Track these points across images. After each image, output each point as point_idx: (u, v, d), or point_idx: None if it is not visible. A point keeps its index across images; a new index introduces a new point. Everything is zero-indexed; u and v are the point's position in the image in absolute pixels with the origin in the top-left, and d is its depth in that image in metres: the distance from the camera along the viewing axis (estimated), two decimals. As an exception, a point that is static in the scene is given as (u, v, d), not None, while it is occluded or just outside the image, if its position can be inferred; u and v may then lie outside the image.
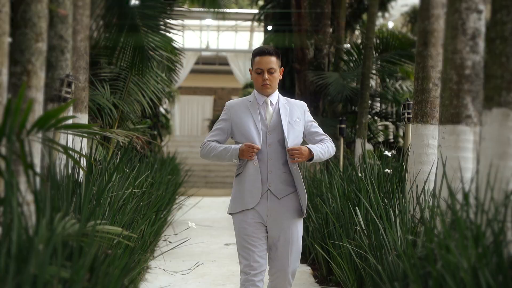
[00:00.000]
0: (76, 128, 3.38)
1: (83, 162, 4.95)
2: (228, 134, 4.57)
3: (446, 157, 4.33)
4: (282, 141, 4.44)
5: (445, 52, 4.41)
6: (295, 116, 4.52)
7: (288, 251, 4.44)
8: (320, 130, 4.61)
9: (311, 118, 4.64)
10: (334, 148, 4.59)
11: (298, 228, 4.49)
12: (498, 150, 3.42)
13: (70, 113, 5.71)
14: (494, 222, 2.97)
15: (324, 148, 4.49)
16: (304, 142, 4.58)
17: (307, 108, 4.65)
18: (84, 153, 5.14)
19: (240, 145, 4.41)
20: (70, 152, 3.36)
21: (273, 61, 4.47)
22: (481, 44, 4.32)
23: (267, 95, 4.53)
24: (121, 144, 5.28)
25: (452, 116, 4.35)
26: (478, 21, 4.31)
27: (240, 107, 4.56)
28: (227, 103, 4.65)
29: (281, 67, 4.58)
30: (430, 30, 5.46)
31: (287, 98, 4.65)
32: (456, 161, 4.32)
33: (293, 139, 4.45)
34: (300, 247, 4.52)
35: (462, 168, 4.29)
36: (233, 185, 4.59)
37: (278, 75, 4.53)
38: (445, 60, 4.40)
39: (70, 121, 4.85)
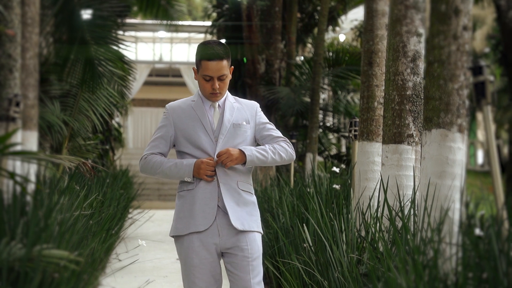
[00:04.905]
0: (22, 154, 3.40)
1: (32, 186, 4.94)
2: (171, 143, 3.83)
3: (388, 176, 4.47)
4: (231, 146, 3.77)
5: (387, 73, 4.56)
6: (242, 119, 3.83)
7: (248, 266, 3.74)
8: (275, 133, 3.88)
9: (264, 120, 3.92)
10: (290, 152, 3.82)
11: (256, 242, 3.80)
12: (437, 169, 3.54)
13: (20, 131, 5.70)
14: (431, 242, 3.09)
15: (269, 149, 3.78)
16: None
17: (259, 109, 3.94)
18: (33, 174, 5.13)
19: (194, 160, 3.72)
20: (17, 177, 3.37)
21: (224, 66, 3.70)
22: (422, 66, 4.48)
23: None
24: (67, 169, 5.28)
25: (395, 135, 4.50)
26: (418, 43, 4.47)
27: (183, 110, 3.82)
28: (167, 105, 3.87)
29: (231, 66, 3.81)
30: (374, 50, 5.59)
31: (237, 98, 3.95)
32: (398, 179, 4.46)
33: (235, 146, 3.77)
34: (261, 264, 3.81)
35: (404, 186, 4.43)
36: (176, 202, 3.85)
37: (229, 79, 3.79)
38: (387, 81, 4.55)
39: (19, 146, 4.85)
